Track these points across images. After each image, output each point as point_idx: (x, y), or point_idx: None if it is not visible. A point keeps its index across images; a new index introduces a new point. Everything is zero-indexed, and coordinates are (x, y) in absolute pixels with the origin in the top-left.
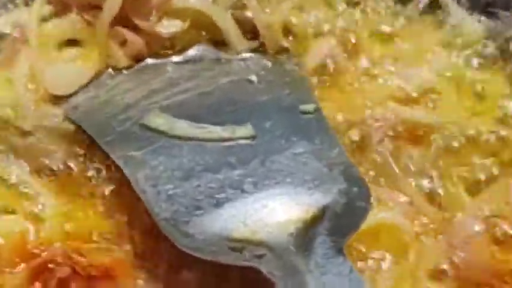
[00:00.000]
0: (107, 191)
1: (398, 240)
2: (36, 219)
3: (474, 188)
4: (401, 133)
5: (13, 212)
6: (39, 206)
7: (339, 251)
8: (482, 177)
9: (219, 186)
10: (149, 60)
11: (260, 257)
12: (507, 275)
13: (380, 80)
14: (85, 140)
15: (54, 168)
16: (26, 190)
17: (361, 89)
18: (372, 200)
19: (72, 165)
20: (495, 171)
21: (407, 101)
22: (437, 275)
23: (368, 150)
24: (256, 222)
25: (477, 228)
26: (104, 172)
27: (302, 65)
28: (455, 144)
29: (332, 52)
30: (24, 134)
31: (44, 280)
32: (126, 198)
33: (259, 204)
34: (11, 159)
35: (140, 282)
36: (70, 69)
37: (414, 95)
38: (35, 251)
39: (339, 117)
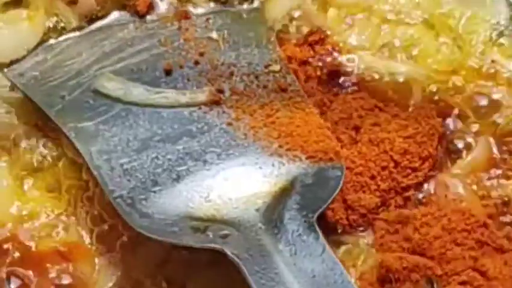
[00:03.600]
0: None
1: None
2: None
3: None
4: None
5: None
6: None
7: (310, 227)
8: None
9: (179, 157)
10: (102, 21)
11: (225, 237)
12: None
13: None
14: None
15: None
16: None
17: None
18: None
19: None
20: None
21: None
22: None
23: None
24: (220, 197)
25: None
26: (55, 147)
27: (265, 15)
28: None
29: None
30: None
31: None
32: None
33: (222, 177)
34: None
35: (99, 263)
36: (15, 32)
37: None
38: None
39: None
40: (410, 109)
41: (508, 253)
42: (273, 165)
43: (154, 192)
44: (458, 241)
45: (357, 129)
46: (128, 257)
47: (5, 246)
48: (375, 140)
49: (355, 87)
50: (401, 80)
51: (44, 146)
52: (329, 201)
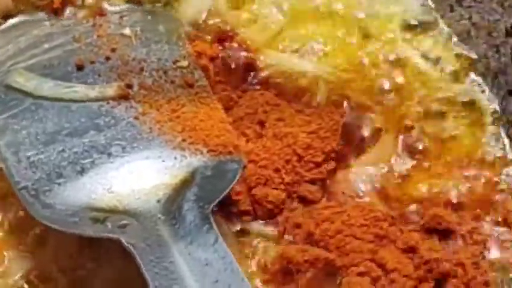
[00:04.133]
0: None
1: None
2: None
3: None
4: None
5: None
6: None
7: (205, 219)
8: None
9: (84, 150)
10: (18, 18)
11: (123, 226)
12: None
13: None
14: None
15: None
16: None
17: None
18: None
19: None
20: None
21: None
22: None
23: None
24: (122, 189)
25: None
26: None
27: (179, 13)
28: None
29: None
30: None
31: None
32: None
33: (126, 169)
34: None
35: (8, 255)
36: None
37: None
38: None
39: None
40: (315, 105)
41: (399, 241)
42: (175, 158)
43: (59, 184)
44: (357, 235)
45: (262, 124)
46: (39, 249)
47: None
48: (279, 134)
49: (263, 84)
50: (307, 78)
51: None
52: (224, 193)
